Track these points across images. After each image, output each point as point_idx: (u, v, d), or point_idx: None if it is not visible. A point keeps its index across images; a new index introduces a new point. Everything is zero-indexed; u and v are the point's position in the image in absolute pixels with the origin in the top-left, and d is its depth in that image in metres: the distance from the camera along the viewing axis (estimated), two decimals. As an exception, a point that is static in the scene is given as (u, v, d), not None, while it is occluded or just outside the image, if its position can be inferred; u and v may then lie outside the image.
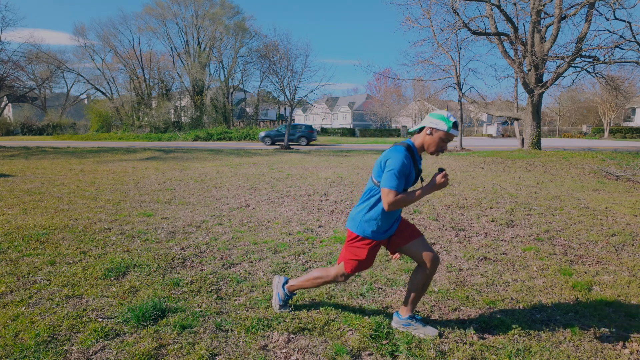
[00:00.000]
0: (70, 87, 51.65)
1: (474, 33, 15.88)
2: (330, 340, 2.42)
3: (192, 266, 3.66)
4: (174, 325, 2.53)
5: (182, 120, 44.60)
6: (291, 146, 24.09)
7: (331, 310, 2.78)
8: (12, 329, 2.47)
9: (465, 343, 2.38)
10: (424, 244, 2.44)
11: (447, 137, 2.26)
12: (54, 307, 2.79)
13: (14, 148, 20.56)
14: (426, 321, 2.65)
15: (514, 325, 2.57)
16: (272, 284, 3.06)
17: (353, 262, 2.45)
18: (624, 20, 13.76)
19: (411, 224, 2.54)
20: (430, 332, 2.45)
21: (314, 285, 2.67)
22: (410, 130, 2.37)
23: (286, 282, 2.79)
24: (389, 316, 2.70)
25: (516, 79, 18.09)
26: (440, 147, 2.29)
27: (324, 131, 48.58)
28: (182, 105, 45.86)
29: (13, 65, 26.34)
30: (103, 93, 46.13)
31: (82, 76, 45.24)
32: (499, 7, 14.70)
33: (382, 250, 4.08)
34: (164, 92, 44.96)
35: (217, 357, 2.25)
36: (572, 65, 15.20)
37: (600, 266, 3.71)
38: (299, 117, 77.19)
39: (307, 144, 26.76)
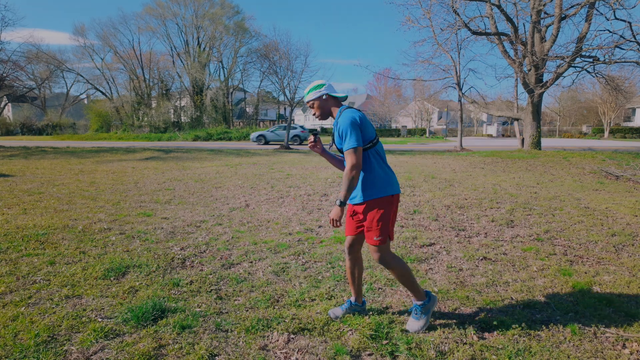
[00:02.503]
0: (70, 87, 51.73)
1: (474, 33, 15.87)
2: (330, 341, 2.42)
3: (192, 266, 3.65)
4: (174, 326, 2.53)
5: (182, 120, 44.61)
6: None
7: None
8: (12, 329, 2.47)
9: (465, 343, 2.38)
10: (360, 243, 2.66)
11: None
12: (53, 307, 2.79)
13: (14, 148, 20.56)
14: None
15: (514, 325, 2.57)
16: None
17: None
18: (624, 20, 13.75)
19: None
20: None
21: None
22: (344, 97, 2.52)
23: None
24: (389, 316, 2.70)
25: (516, 79, 18.09)
26: None
27: (324, 131, 48.57)
28: (182, 105, 45.86)
29: (13, 65, 26.32)
30: (103, 93, 46.16)
31: (81, 76, 45.29)
32: (499, 7, 14.70)
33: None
34: (164, 92, 44.97)
35: (217, 357, 2.25)
36: (572, 65, 15.19)
37: (600, 266, 3.70)
38: (299, 117, 77.18)
39: None
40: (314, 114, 2.50)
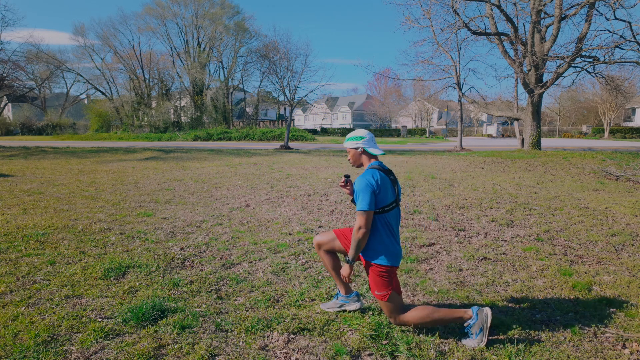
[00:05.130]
0: (70, 87, 51.68)
1: (474, 33, 15.86)
2: (330, 341, 2.42)
3: (192, 266, 3.65)
4: (174, 326, 2.53)
5: (182, 120, 44.60)
6: None
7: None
8: (12, 329, 2.47)
9: (464, 345, 2.38)
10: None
11: None
12: (53, 307, 2.79)
13: (14, 148, 20.56)
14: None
15: (514, 325, 2.57)
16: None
17: None
18: (624, 20, 13.74)
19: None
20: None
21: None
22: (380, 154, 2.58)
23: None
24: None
25: (516, 79, 18.07)
26: None
27: (324, 131, 48.56)
28: (182, 105, 45.86)
29: (13, 65, 26.30)
30: (103, 93, 46.13)
31: (81, 76, 45.23)
32: (499, 7, 14.69)
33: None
34: (164, 92, 44.96)
35: (216, 357, 2.25)
36: (572, 65, 15.17)
37: (600, 266, 3.70)
38: (299, 117, 77.19)
39: None
40: (349, 159, 2.64)
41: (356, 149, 2.57)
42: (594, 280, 3.35)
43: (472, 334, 2.37)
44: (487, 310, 2.38)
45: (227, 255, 3.95)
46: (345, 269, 2.50)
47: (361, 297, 2.85)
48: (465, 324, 2.40)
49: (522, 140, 17.34)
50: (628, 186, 8.51)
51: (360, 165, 2.61)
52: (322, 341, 2.42)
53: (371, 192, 2.35)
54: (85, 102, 53.37)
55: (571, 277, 3.41)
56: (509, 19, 15.03)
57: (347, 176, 2.67)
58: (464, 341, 2.40)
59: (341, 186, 2.67)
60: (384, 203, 2.40)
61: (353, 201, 2.54)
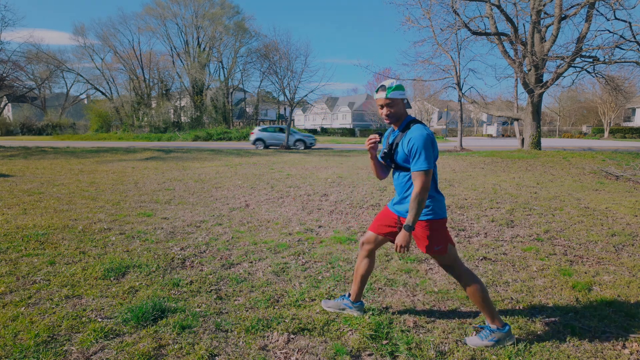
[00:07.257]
0: (70, 87, 51.74)
1: (474, 33, 15.86)
2: (330, 341, 2.42)
3: (192, 266, 3.65)
4: (174, 326, 2.53)
5: (182, 120, 44.65)
6: None
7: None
8: (12, 329, 2.47)
9: (466, 343, 2.38)
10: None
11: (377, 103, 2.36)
12: (53, 308, 2.79)
13: (14, 148, 20.55)
14: (425, 323, 2.66)
15: (514, 325, 2.57)
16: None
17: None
18: (624, 21, 13.75)
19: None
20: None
21: (477, 302, 2.39)
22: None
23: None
24: (389, 316, 2.70)
25: (516, 79, 18.07)
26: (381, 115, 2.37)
27: (324, 131, 48.55)
28: (182, 105, 45.91)
29: (13, 65, 26.29)
30: (103, 93, 46.19)
31: (81, 76, 45.28)
32: (499, 7, 14.69)
33: (382, 250, 4.07)
34: (164, 92, 45.00)
35: (216, 357, 2.25)
36: (572, 65, 15.18)
37: (600, 266, 3.70)
38: (299, 117, 77.18)
39: None
40: (386, 114, 2.30)
41: (402, 100, 2.29)
42: (594, 280, 3.35)
43: (487, 337, 2.34)
44: (515, 338, 2.39)
45: (227, 255, 3.95)
46: (403, 237, 2.22)
47: (364, 306, 2.80)
48: (492, 326, 2.35)
49: (522, 140, 17.33)
50: (628, 186, 8.51)
51: (398, 120, 2.33)
52: (322, 341, 2.42)
53: (432, 147, 2.17)
54: (85, 102, 53.41)
55: (571, 277, 3.41)
56: (509, 19, 15.03)
57: (380, 133, 2.33)
58: (468, 339, 2.40)
59: (371, 144, 2.31)
60: (437, 158, 2.25)
61: (386, 158, 2.37)
